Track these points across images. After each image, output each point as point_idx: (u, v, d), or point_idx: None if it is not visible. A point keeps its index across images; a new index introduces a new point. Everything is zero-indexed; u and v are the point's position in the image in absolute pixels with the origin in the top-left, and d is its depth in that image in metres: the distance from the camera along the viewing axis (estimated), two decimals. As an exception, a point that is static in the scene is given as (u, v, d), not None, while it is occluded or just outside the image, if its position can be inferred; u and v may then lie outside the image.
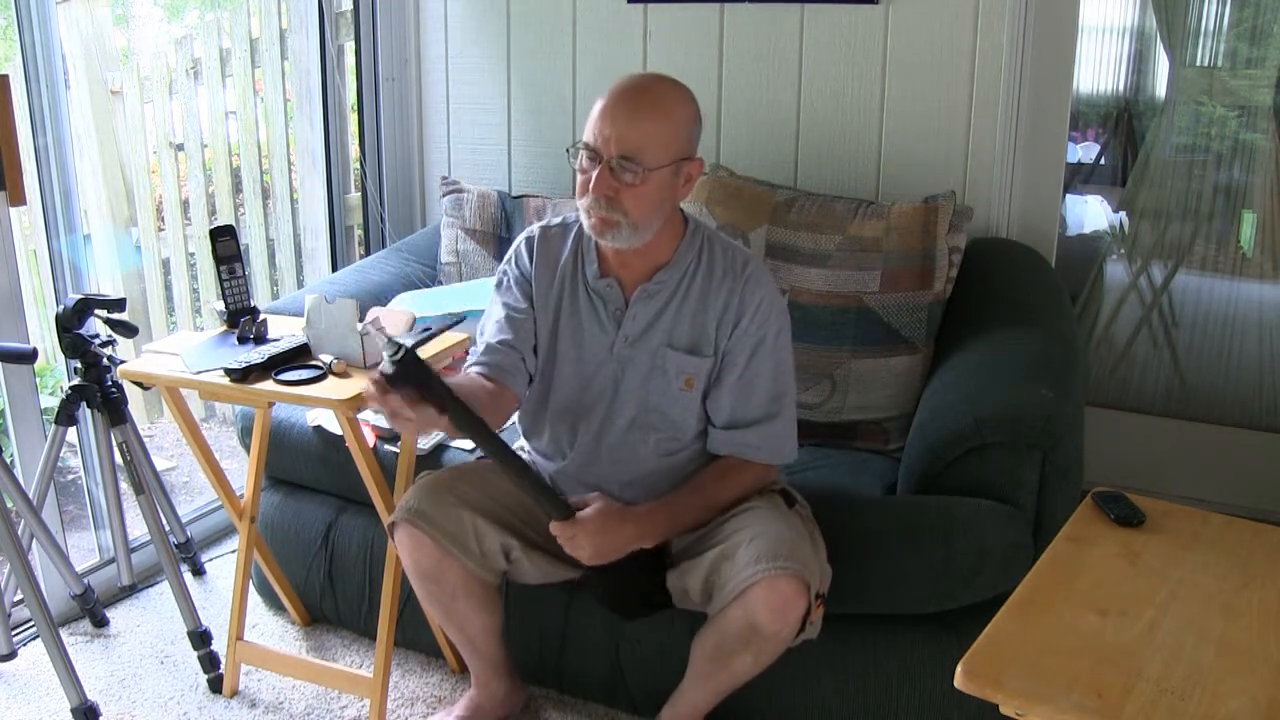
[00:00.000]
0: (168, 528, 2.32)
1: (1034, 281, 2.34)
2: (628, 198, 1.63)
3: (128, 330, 2.03)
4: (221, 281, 2.00)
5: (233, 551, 2.49)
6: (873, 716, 1.86)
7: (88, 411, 2.15)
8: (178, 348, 1.93)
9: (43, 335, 2.63)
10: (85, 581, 2.24)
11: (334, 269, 2.98)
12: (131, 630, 2.31)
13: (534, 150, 2.91)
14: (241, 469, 2.45)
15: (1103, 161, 3.16)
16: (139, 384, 2.16)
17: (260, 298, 3.11)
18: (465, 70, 2.95)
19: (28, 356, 2.00)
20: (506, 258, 1.86)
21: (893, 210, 2.28)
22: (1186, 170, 2.86)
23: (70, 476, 2.76)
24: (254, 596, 2.35)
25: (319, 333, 1.88)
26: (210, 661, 2.12)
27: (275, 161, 3.23)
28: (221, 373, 1.80)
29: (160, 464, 2.73)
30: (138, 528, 2.30)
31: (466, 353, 1.89)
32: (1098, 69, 3.01)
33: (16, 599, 2.14)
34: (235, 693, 2.09)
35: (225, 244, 2.01)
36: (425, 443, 2.08)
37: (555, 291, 1.80)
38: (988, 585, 1.76)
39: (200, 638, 2.11)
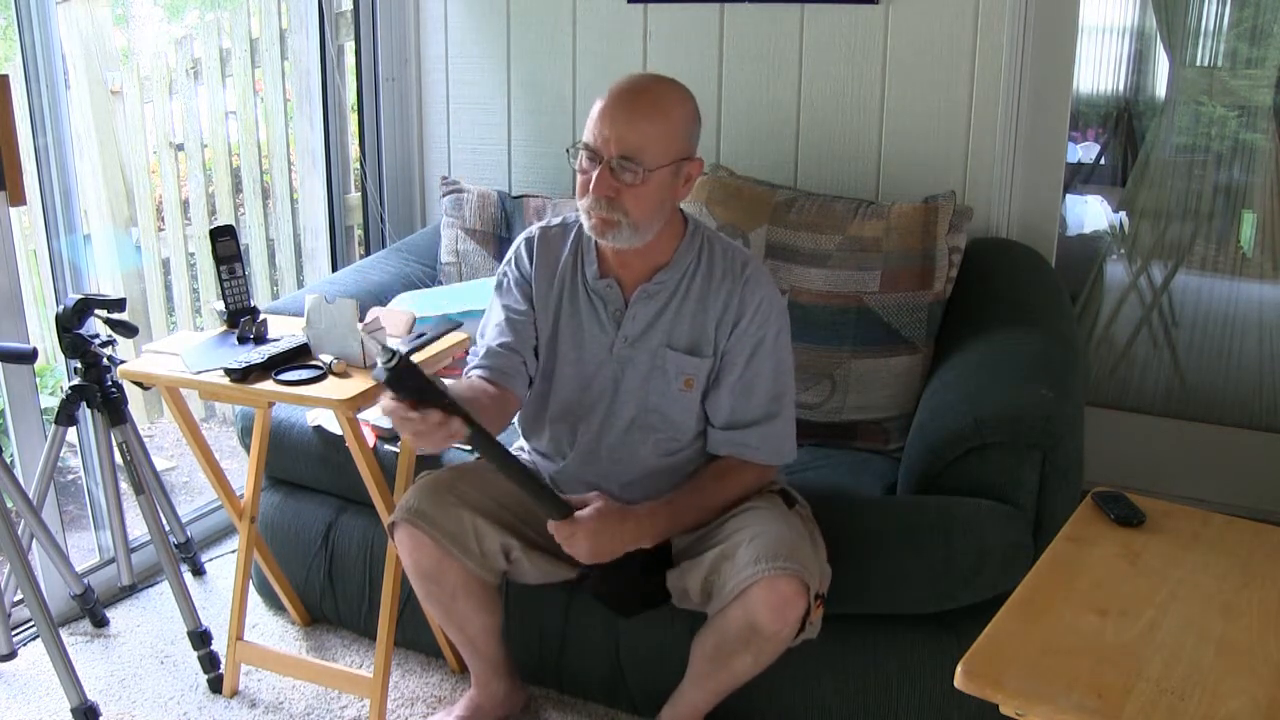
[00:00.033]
0: (168, 528, 2.32)
1: (1034, 281, 2.34)
2: (628, 198, 1.63)
3: (128, 330, 2.03)
4: (221, 281, 2.00)
5: (233, 551, 2.49)
6: (873, 716, 1.86)
7: (88, 411, 2.15)
8: (178, 348, 1.93)
9: (43, 335, 2.63)
10: (85, 581, 2.24)
11: (334, 269, 2.98)
12: (131, 630, 2.31)
13: (534, 150, 2.91)
14: (241, 469, 2.45)
15: (1103, 161, 3.16)
16: (139, 384, 2.16)
17: (260, 298, 3.11)
18: (465, 70, 2.95)
19: (28, 356, 2.00)
20: (506, 259, 1.86)
21: (893, 210, 2.28)
22: (1186, 170, 2.86)
23: (70, 476, 2.76)
24: (254, 596, 2.35)
25: (319, 333, 1.88)
26: (210, 661, 2.12)
27: (275, 161, 3.23)
28: (221, 373, 1.80)
29: (160, 464, 2.73)
30: (138, 528, 2.30)
31: (466, 353, 1.89)
32: (1098, 69, 3.01)
33: (16, 599, 2.14)
34: (235, 693, 2.09)
35: (225, 244, 2.01)
36: (389, 421, 2.06)
37: (555, 292, 1.80)
38: (988, 585, 1.76)
39: (200, 638, 2.11)
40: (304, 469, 2.23)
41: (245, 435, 2.20)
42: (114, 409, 2.08)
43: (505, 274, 1.84)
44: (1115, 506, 1.49)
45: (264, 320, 2.00)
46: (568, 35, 2.79)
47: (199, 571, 2.53)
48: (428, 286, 2.61)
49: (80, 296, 1.99)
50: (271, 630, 2.30)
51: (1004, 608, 1.27)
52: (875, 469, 2.14)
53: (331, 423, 2.13)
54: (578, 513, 1.63)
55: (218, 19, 3.16)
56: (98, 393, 2.06)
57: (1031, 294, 2.28)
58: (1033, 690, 1.13)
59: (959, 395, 1.94)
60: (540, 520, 1.67)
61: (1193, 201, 2.87)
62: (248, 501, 2.06)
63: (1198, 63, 2.79)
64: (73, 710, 1.92)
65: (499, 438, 1.56)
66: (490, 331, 1.81)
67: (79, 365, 2.05)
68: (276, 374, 1.80)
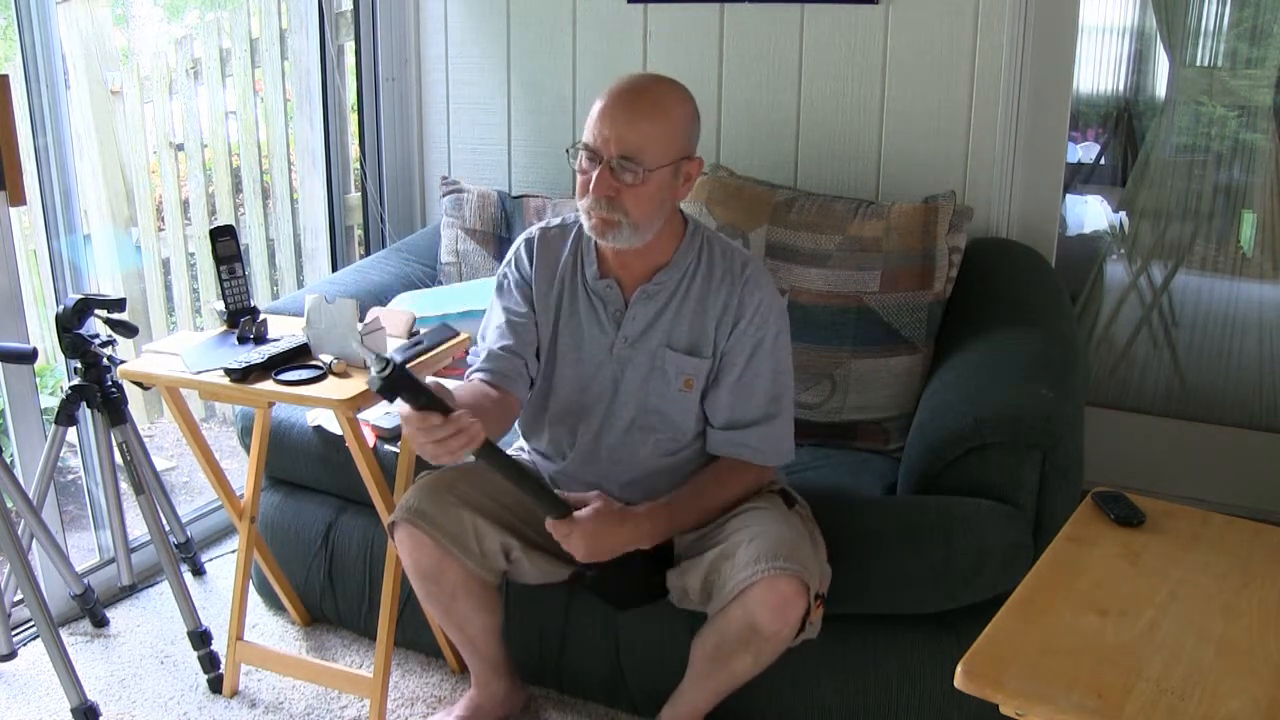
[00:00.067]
0: (168, 528, 2.32)
1: (1034, 281, 2.34)
2: (628, 198, 1.63)
3: (128, 330, 2.03)
4: (221, 281, 2.00)
5: (233, 551, 2.49)
6: (873, 716, 1.86)
7: (88, 411, 2.15)
8: (178, 348, 1.93)
9: (43, 335, 2.63)
10: (85, 581, 2.24)
11: (334, 269, 2.98)
12: (131, 630, 2.31)
13: (534, 150, 2.91)
14: (241, 469, 2.45)
15: (1103, 161, 3.16)
16: (139, 384, 2.16)
17: (260, 298, 3.11)
18: (465, 70, 2.95)
19: (28, 356, 2.00)
20: (506, 260, 1.86)
21: (893, 210, 2.28)
22: (1186, 170, 2.86)
23: (70, 476, 2.76)
24: (254, 596, 2.35)
25: (319, 333, 1.88)
26: (210, 661, 2.12)
27: (275, 161, 3.23)
28: (221, 373, 1.80)
29: (160, 464, 2.73)
30: (138, 528, 2.30)
31: (466, 353, 1.89)
32: (1098, 69, 3.01)
33: (16, 599, 2.14)
34: (235, 693, 2.09)
35: (225, 244, 2.01)
36: (389, 421, 2.07)
37: (555, 293, 1.80)
38: (988, 585, 1.76)
39: (200, 638, 2.11)
40: (304, 469, 2.23)
41: (245, 435, 2.20)
42: (114, 409, 2.08)
43: (505, 275, 1.84)
44: (1115, 506, 1.49)
45: (264, 320, 2.00)
46: (568, 35, 2.79)
47: (199, 571, 2.53)
48: (428, 286, 2.61)
49: (80, 296, 1.99)
50: (271, 630, 2.30)
51: (1004, 608, 1.27)
52: (875, 469, 2.14)
53: (331, 423, 2.13)
54: (576, 513, 1.63)
55: (218, 19, 3.16)
56: (98, 393, 2.06)
57: (1031, 294, 2.28)
58: (1033, 690, 1.13)
59: (959, 395, 1.94)
60: (540, 520, 1.67)
61: (1193, 201, 2.87)
62: (248, 501, 2.06)
63: (1198, 63, 2.79)
64: (73, 710, 1.92)
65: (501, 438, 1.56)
66: (491, 334, 1.81)
67: (79, 365, 2.05)
68: (276, 374, 1.80)
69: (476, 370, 1.77)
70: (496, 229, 2.67)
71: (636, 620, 1.94)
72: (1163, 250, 2.94)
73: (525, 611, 2.02)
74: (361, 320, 1.87)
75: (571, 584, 1.79)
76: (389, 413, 2.05)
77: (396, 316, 2.01)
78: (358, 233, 3.12)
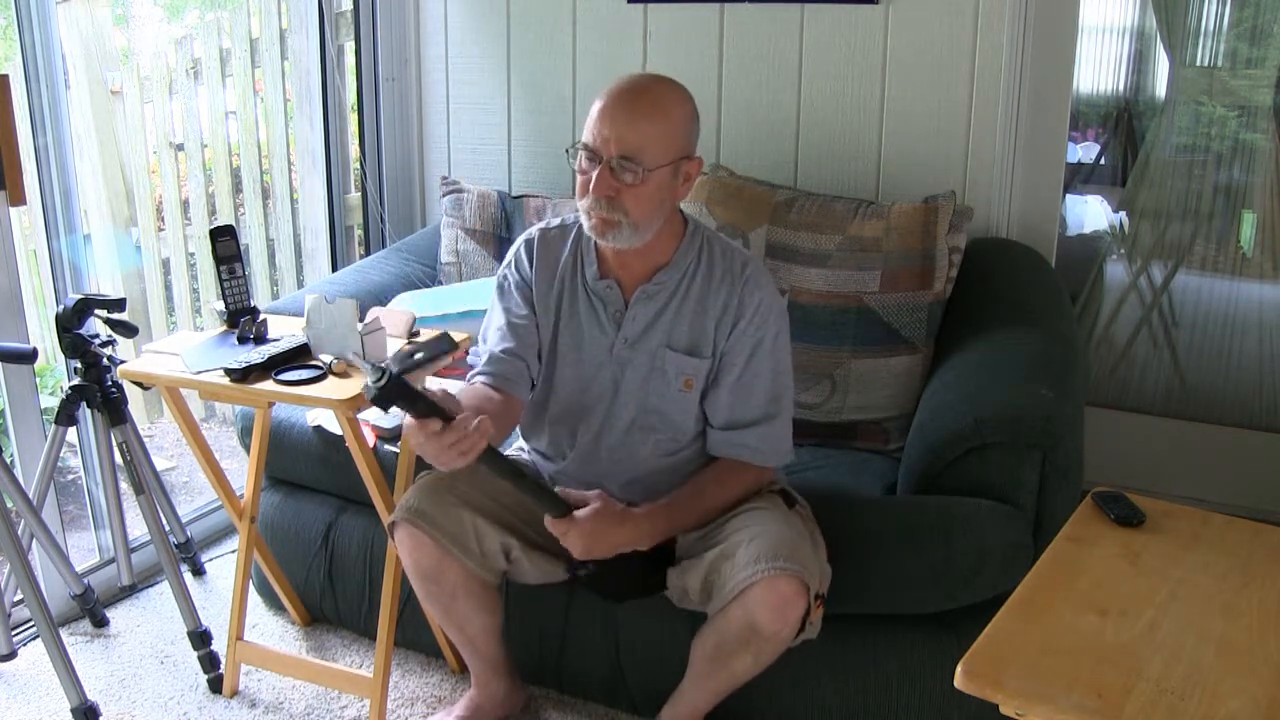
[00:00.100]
0: (168, 528, 2.32)
1: (1034, 281, 2.34)
2: (628, 198, 1.63)
3: (128, 330, 2.03)
4: (221, 281, 2.00)
5: (233, 551, 2.49)
6: (873, 716, 1.86)
7: (88, 411, 2.15)
8: (178, 348, 1.93)
9: (43, 335, 2.63)
10: (85, 581, 2.24)
11: (334, 269, 2.98)
12: (131, 630, 2.31)
13: (534, 150, 2.91)
14: (241, 469, 2.45)
15: (1103, 161, 3.16)
16: (139, 384, 2.16)
17: (260, 298, 3.11)
18: (465, 70, 2.95)
19: (28, 356, 2.00)
20: (506, 261, 1.86)
21: (893, 210, 2.28)
22: (1186, 170, 2.86)
23: (70, 476, 2.76)
24: (254, 596, 2.35)
25: (319, 333, 1.88)
26: (210, 661, 2.12)
27: (275, 161, 3.23)
28: (221, 373, 1.80)
29: (160, 464, 2.73)
30: (138, 528, 2.30)
31: (467, 352, 1.89)
32: (1098, 69, 3.01)
33: (16, 599, 2.14)
34: (235, 693, 2.09)
35: (225, 244, 2.01)
36: (389, 421, 2.07)
37: (555, 294, 1.80)
38: (988, 585, 1.76)
39: (200, 638, 2.11)
40: (304, 469, 2.23)
41: (245, 435, 2.20)
42: (114, 409, 2.08)
43: (505, 277, 1.84)
44: (1115, 506, 1.49)
45: (264, 320, 2.00)
46: (568, 35, 2.79)
47: (199, 571, 2.53)
48: (428, 286, 2.61)
49: (80, 296, 1.99)
50: (271, 630, 2.30)
51: (1004, 608, 1.27)
52: (875, 469, 2.14)
53: (331, 423, 2.13)
54: (576, 512, 1.63)
55: (218, 19, 3.16)
56: (98, 393, 2.06)
57: (1031, 294, 2.28)
58: (1033, 690, 1.13)
59: (959, 395, 1.94)
60: (540, 520, 1.67)
61: (1193, 201, 2.87)
62: (248, 501, 2.06)
63: (1198, 63, 2.79)
64: (73, 710, 1.92)
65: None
66: (492, 336, 1.81)
67: (79, 365, 2.05)
68: (276, 374, 1.80)
69: (478, 373, 1.77)
70: (496, 229, 2.67)
71: (636, 620, 1.94)
72: (1163, 250, 2.94)
73: (525, 611, 2.02)
74: (361, 320, 1.87)
75: (570, 581, 1.79)
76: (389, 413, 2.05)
77: (396, 316, 2.01)
78: (358, 233, 3.12)
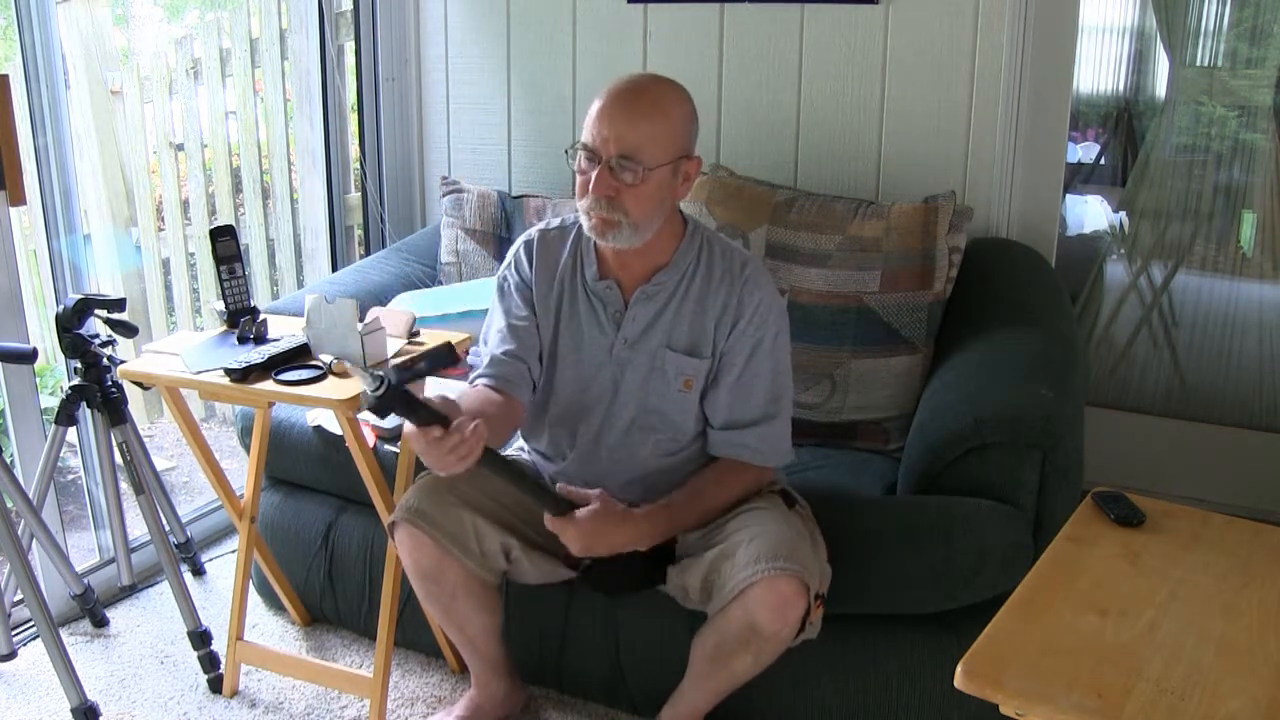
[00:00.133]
0: (168, 528, 2.32)
1: (1034, 281, 2.34)
2: (628, 197, 1.63)
3: (128, 330, 2.03)
4: (221, 281, 2.00)
5: (233, 551, 2.49)
6: (873, 716, 1.86)
7: (88, 411, 2.15)
8: (178, 348, 1.93)
9: (43, 335, 2.63)
10: (85, 581, 2.24)
11: (334, 269, 2.98)
12: (131, 630, 2.31)
13: (534, 150, 2.91)
14: (241, 469, 2.45)
15: (1103, 161, 3.16)
16: (139, 384, 2.16)
17: (260, 298, 3.11)
18: (465, 70, 2.95)
19: (28, 356, 2.00)
20: (505, 263, 1.86)
21: (893, 210, 2.28)
22: (1186, 170, 2.86)
23: (70, 476, 2.76)
24: (254, 596, 2.35)
25: (319, 333, 1.88)
26: (210, 661, 2.12)
27: (275, 161, 3.23)
28: (221, 373, 1.80)
29: (160, 464, 2.73)
30: (138, 528, 2.30)
31: (467, 352, 1.89)
32: (1098, 69, 3.01)
33: (16, 599, 2.14)
34: (235, 693, 2.09)
35: (225, 244, 2.01)
36: (389, 421, 2.06)
37: (555, 295, 1.80)
38: (988, 585, 1.76)
39: (200, 638, 2.11)
40: (304, 469, 2.23)
41: (245, 435, 2.20)
42: (114, 409, 2.08)
43: (505, 279, 1.84)
44: (1115, 506, 1.49)
45: (264, 320, 2.00)
46: (568, 35, 2.79)
47: (199, 571, 2.53)
48: (428, 286, 2.61)
49: (80, 296, 1.99)
50: (271, 630, 2.30)
51: (1004, 608, 1.27)
52: (875, 469, 2.14)
53: (331, 423, 2.13)
54: (576, 511, 1.63)
55: (218, 19, 3.16)
56: (98, 393, 2.06)
57: (1031, 294, 2.28)
58: (1033, 690, 1.13)
59: (959, 395, 1.94)
60: (540, 520, 1.67)
61: (1193, 201, 2.87)
62: (248, 501, 2.06)
63: (1198, 63, 2.79)
64: (73, 710, 1.92)
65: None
66: (493, 338, 1.81)
67: (79, 365, 2.05)
68: (276, 374, 1.80)
69: (480, 375, 1.77)
70: (496, 229, 2.67)
71: (636, 620, 1.94)
72: (1163, 250, 2.94)
73: (525, 611, 2.02)
74: (361, 320, 1.87)
75: (571, 582, 1.79)
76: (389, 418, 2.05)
77: (396, 316, 2.01)
78: (358, 233, 3.12)
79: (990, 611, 1.26)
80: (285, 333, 1.95)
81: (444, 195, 2.74)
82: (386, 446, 2.07)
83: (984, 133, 2.44)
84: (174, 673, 2.17)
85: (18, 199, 2.07)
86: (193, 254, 3.23)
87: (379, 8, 2.92)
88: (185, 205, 3.22)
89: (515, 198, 2.74)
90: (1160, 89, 2.92)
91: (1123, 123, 3.06)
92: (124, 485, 2.19)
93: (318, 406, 1.89)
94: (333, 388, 1.77)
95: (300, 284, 3.18)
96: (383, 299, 2.44)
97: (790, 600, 1.57)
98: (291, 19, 2.97)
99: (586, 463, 1.81)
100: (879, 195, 2.54)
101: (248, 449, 2.14)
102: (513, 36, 2.86)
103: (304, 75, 2.96)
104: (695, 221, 1.81)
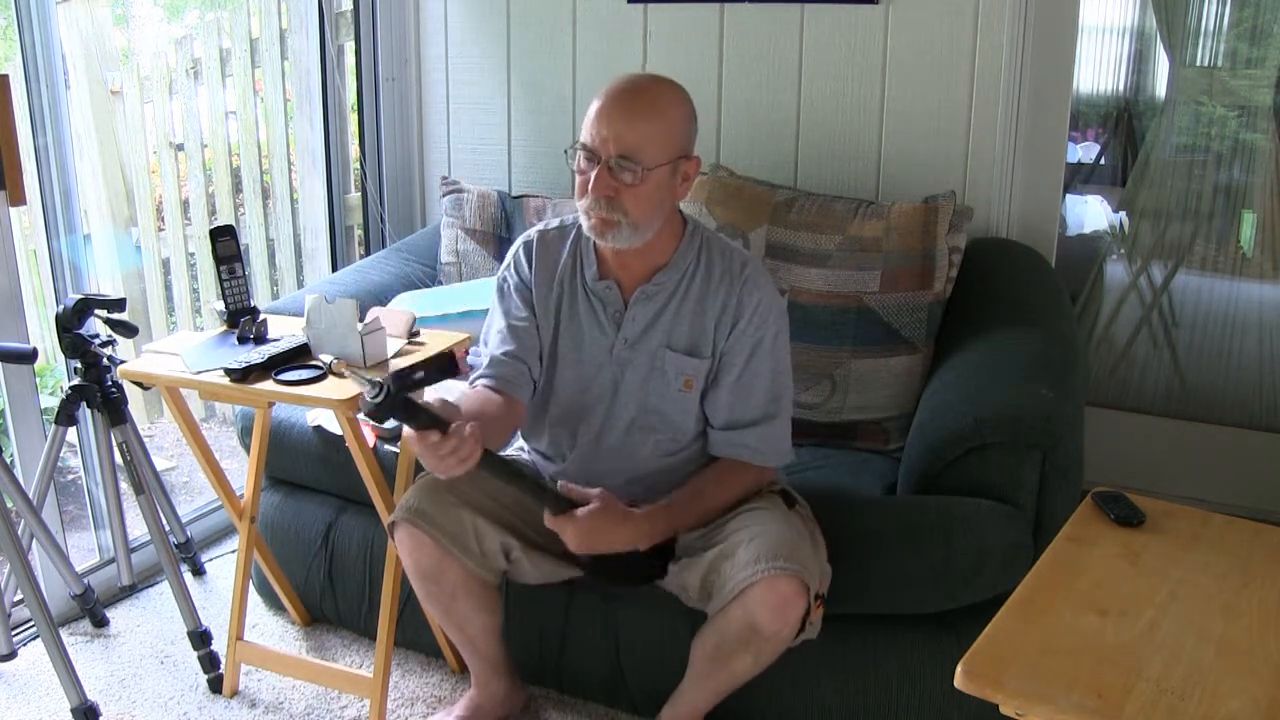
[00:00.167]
0: (168, 528, 2.32)
1: (1034, 281, 2.34)
2: (627, 197, 1.63)
3: (128, 330, 2.03)
4: (221, 281, 2.00)
5: (233, 551, 2.49)
6: (873, 716, 1.86)
7: (88, 411, 2.15)
8: (178, 348, 1.93)
9: (43, 335, 2.63)
10: (85, 581, 2.24)
11: (334, 269, 2.98)
12: (131, 630, 2.31)
13: (534, 150, 2.91)
14: (241, 469, 2.45)
15: (1103, 161, 3.16)
16: (139, 384, 2.16)
17: (260, 298, 3.11)
18: (465, 70, 2.95)
19: (28, 356, 2.00)
20: (505, 263, 1.86)
21: (893, 210, 2.28)
22: (1186, 170, 2.86)
23: (70, 476, 2.76)
24: (254, 596, 2.35)
25: (319, 333, 1.88)
26: (210, 661, 2.12)
27: (275, 161, 3.23)
28: (221, 373, 1.80)
29: (160, 464, 2.73)
30: (138, 528, 2.30)
31: (467, 352, 1.89)
32: (1098, 69, 3.01)
33: (16, 599, 2.14)
34: (235, 693, 2.09)
35: (225, 244, 2.01)
36: (390, 423, 2.06)
37: (555, 295, 1.80)
38: (988, 585, 1.76)
39: (200, 638, 2.11)
40: (304, 469, 2.23)
41: (245, 435, 2.20)
42: (114, 409, 2.08)
43: (505, 279, 1.84)
44: (1115, 506, 1.49)
45: (264, 320, 2.00)
46: (568, 35, 2.79)
47: (199, 571, 2.53)
48: (428, 286, 2.61)
49: (80, 296, 1.99)
50: (271, 630, 2.30)
51: (1004, 608, 1.27)
52: (875, 469, 2.14)
53: (331, 423, 2.13)
54: (577, 510, 1.63)
55: (218, 19, 3.16)
56: (98, 393, 2.06)
57: (1031, 294, 2.28)
58: (1033, 690, 1.13)
59: (959, 395, 1.94)
60: (540, 519, 1.67)
61: (1193, 201, 2.87)
62: (248, 501, 2.06)
63: (1198, 63, 2.79)
64: (73, 710, 1.92)
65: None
66: (493, 339, 1.81)
67: (79, 365, 2.05)
68: (276, 374, 1.80)
69: (480, 376, 1.77)
70: (496, 229, 2.67)
71: (636, 620, 1.94)
72: (1163, 250, 2.94)
73: (525, 611, 2.02)
74: (361, 320, 1.87)
75: (571, 581, 1.79)
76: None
77: (396, 316, 2.01)
78: (358, 233, 3.12)
79: (990, 611, 1.26)
80: (285, 333, 1.95)
81: (444, 195, 2.74)
82: (386, 446, 2.07)
83: (984, 133, 2.44)
84: (174, 673, 2.17)
85: (18, 199, 2.07)
86: (193, 254, 3.23)
87: (379, 8, 2.92)
88: (185, 205, 3.22)
89: (515, 198, 2.74)
90: (1160, 89, 2.92)
91: (1123, 123, 3.06)
92: (124, 485, 2.19)
93: (318, 406, 1.89)
94: (332, 388, 1.77)
95: (300, 284, 3.19)
96: (383, 299, 2.44)
97: (790, 600, 1.57)
98: (291, 19, 2.97)
99: (587, 463, 1.81)
100: (879, 195, 2.54)
101: (248, 449, 2.14)
102: (513, 36, 2.86)
103: (304, 75, 2.96)
104: (695, 221, 1.81)
